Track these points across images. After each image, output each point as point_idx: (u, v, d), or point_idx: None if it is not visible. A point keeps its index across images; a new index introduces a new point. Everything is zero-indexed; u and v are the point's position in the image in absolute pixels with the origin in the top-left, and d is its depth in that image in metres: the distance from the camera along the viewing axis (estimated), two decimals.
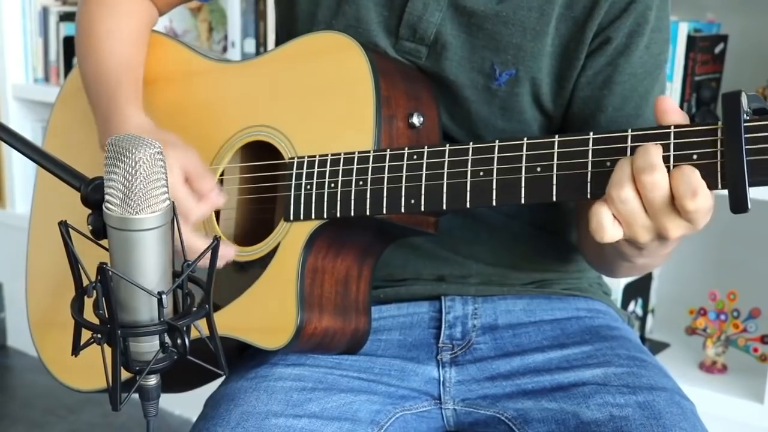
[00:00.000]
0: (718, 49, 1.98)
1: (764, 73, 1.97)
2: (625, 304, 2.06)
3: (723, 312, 1.95)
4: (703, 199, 0.84)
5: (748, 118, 0.83)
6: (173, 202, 0.73)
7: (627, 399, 1.03)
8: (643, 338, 2.11)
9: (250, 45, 2.46)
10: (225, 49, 2.57)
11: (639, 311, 2.12)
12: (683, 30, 1.91)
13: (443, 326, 1.17)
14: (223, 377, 1.14)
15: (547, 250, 1.21)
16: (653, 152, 0.85)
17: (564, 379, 1.09)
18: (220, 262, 1.08)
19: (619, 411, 1.01)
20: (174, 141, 1.07)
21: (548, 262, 1.22)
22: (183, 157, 1.06)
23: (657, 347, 2.09)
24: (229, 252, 1.09)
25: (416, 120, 1.06)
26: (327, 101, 1.07)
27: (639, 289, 2.10)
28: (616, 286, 2.01)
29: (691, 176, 0.83)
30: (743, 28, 2.04)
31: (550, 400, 1.07)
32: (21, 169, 3.00)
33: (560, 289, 1.21)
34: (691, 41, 1.92)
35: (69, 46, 2.86)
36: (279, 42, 1.28)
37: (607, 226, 0.88)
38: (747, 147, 0.82)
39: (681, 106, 1.94)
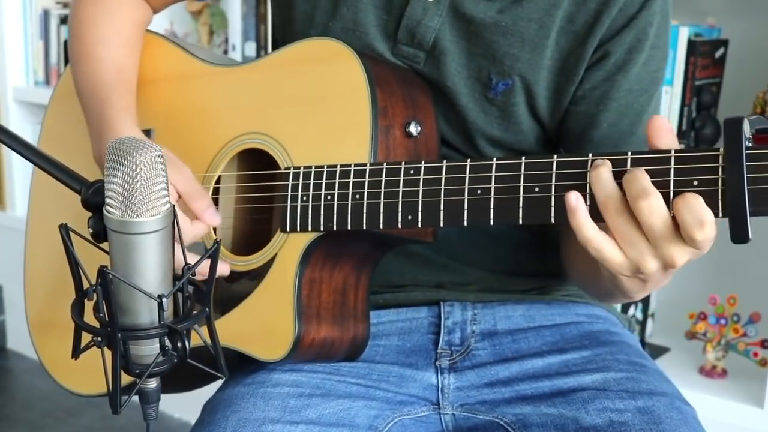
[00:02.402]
0: (718, 54, 1.99)
1: (765, 77, 1.97)
2: (625, 309, 2.06)
3: (723, 316, 1.95)
4: (710, 229, 0.82)
5: (750, 145, 0.81)
6: (174, 206, 0.73)
7: (627, 404, 1.03)
8: (643, 343, 2.11)
9: (251, 48, 2.46)
10: (226, 53, 2.57)
11: (639, 315, 2.12)
12: (684, 34, 1.91)
13: (442, 332, 1.16)
14: (222, 381, 1.13)
15: (548, 257, 1.21)
16: (643, 177, 0.83)
17: (563, 384, 1.08)
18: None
19: (619, 416, 1.01)
20: (168, 158, 1.05)
21: (548, 269, 1.21)
22: (177, 176, 1.05)
23: (657, 352, 2.09)
24: (222, 269, 1.09)
25: (414, 129, 1.05)
26: (323, 110, 1.06)
27: None
28: None
29: (696, 205, 0.81)
30: (744, 32, 2.04)
31: (549, 405, 1.06)
32: (21, 171, 3.00)
33: (560, 295, 1.21)
34: (692, 45, 1.92)
35: None
36: (276, 44, 1.27)
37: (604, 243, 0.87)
38: (748, 175, 0.80)
39: (681, 111, 1.94)
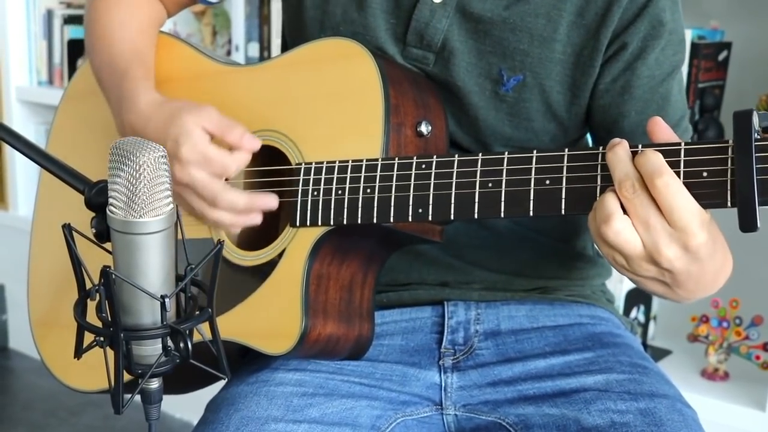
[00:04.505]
0: (721, 57, 1.98)
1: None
2: (627, 311, 2.06)
3: (725, 319, 1.95)
4: (670, 178, 0.83)
5: (758, 137, 0.82)
6: (177, 206, 0.73)
7: (628, 405, 1.03)
8: (645, 345, 2.11)
9: (254, 49, 2.47)
10: (229, 53, 2.57)
11: (641, 318, 2.12)
12: (687, 37, 1.91)
13: (446, 331, 1.17)
14: (225, 381, 1.14)
15: (552, 257, 1.21)
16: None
17: (566, 385, 1.08)
18: (258, 213, 1.08)
19: (621, 417, 1.01)
20: (188, 105, 1.07)
21: (552, 269, 1.22)
22: (200, 116, 1.05)
23: (659, 354, 2.09)
24: (271, 201, 1.08)
25: (424, 128, 1.06)
26: (335, 107, 1.07)
27: (641, 295, 2.09)
28: (619, 292, 2.01)
29: (654, 159, 0.84)
30: (747, 35, 2.04)
31: (551, 405, 1.07)
32: (23, 171, 3.01)
33: (564, 295, 1.21)
34: (695, 48, 1.92)
35: (73, 49, 2.87)
36: (285, 48, 1.28)
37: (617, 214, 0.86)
38: (758, 166, 0.81)
39: None
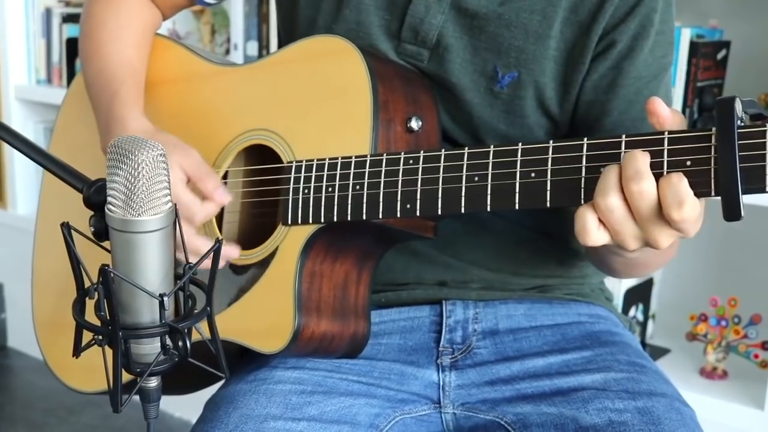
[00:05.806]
0: (720, 56, 1.98)
1: (767, 79, 1.97)
2: (626, 310, 2.06)
3: (724, 318, 1.95)
4: (689, 209, 0.82)
5: (742, 124, 0.82)
6: (175, 204, 0.73)
7: (626, 404, 1.03)
8: (643, 344, 2.11)
9: (253, 48, 2.46)
10: (228, 52, 2.57)
11: (640, 317, 2.12)
12: (686, 36, 1.91)
13: (444, 330, 1.17)
14: (224, 380, 1.14)
15: (550, 256, 1.21)
16: (640, 159, 0.84)
17: (564, 384, 1.09)
18: (221, 262, 1.08)
19: (618, 416, 1.01)
20: (174, 143, 1.08)
21: (550, 268, 1.22)
22: (184, 158, 1.06)
23: (657, 353, 2.09)
24: (232, 252, 1.09)
25: (415, 124, 1.06)
26: (325, 105, 1.08)
27: (640, 294, 2.09)
28: (617, 291, 2.01)
29: (678, 185, 0.82)
30: (746, 34, 2.04)
31: (549, 404, 1.07)
32: (22, 170, 3.00)
33: (562, 294, 1.21)
34: (694, 47, 1.92)
35: (72, 47, 2.87)
36: (281, 46, 1.28)
37: (591, 230, 0.87)
38: (740, 154, 0.81)
39: (683, 112, 1.94)
